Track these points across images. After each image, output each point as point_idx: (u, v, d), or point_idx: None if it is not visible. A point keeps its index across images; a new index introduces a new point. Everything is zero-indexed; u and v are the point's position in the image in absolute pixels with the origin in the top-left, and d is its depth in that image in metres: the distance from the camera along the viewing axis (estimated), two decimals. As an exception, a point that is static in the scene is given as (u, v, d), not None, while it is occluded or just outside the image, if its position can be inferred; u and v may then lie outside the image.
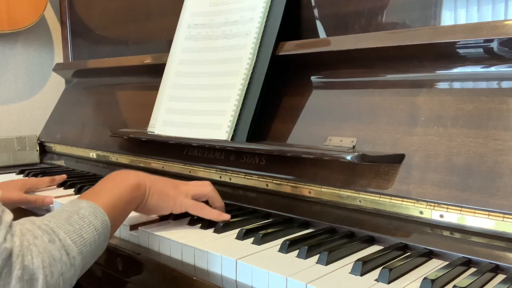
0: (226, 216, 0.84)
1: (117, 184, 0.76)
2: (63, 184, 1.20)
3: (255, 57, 1.01)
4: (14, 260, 0.54)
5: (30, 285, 0.55)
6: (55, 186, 1.19)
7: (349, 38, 0.91)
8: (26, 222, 0.61)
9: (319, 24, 1.02)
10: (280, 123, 1.01)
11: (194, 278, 0.70)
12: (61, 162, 1.57)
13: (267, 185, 0.96)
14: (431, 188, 0.74)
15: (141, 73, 1.40)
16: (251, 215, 0.91)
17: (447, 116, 0.78)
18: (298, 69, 1.01)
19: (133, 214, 0.82)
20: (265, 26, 1.02)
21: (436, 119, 0.79)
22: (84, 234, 0.64)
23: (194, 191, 0.86)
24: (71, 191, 1.14)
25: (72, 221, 0.64)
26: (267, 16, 1.03)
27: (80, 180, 1.24)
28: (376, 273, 0.64)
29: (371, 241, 0.78)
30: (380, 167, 0.81)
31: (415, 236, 0.75)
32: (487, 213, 0.69)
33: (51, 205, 1.06)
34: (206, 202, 0.87)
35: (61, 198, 1.06)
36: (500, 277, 0.65)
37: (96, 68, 1.56)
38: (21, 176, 1.37)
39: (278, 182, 0.94)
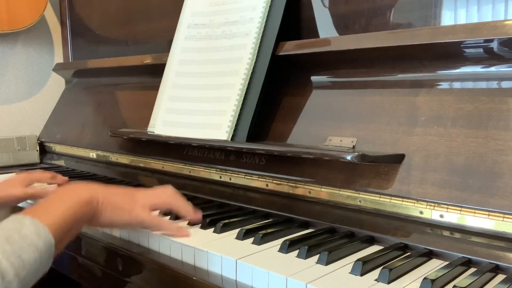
0: (185, 232, 0.79)
1: (66, 199, 0.71)
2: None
3: (255, 57, 1.01)
4: None
5: None
6: (55, 186, 1.19)
7: (349, 38, 0.91)
8: None
9: (319, 24, 1.02)
10: (280, 123, 1.01)
11: (194, 278, 0.70)
12: (61, 162, 1.57)
13: (267, 185, 0.96)
14: (431, 188, 0.74)
15: (141, 73, 1.40)
16: (251, 215, 0.91)
17: (447, 116, 0.78)
18: (298, 69, 1.01)
19: None
20: (265, 26, 1.02)
21: (436, 119, 0.79)
22: (24, 255, 0.59)
23: (152, 201, 0.81)
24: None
25: (12, 240, 0.59)
26: (267, 16, 1.03)
27: (80, 180, 1.24)
28: (376, 273, 0.64)
29: (371, 241, 0.78)
30: (380, 167, 0.81)
31: (415, 236, 0.75)
32: (487, 213, 0.69)
33: None
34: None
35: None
36: (500, 277, 0.65)
37: (96, 68, 1.56)
38: (21, 176, 1.37)
39: (278, 182, 0.94)
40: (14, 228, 0.61)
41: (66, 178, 1.21)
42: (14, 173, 1.42)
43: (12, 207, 1.13)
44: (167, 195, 0.84)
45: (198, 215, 0.84)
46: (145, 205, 0.80)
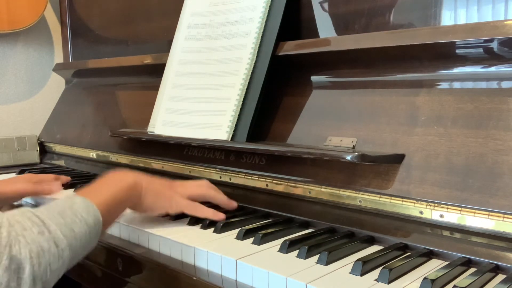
0: (221, 215, 0.85)
1: (113, 183, 0.78)
2: (63, 185, 1.20)
3: (255, 57, 1.01)
4: (1, 251, 0.55)
5: (17, 274, 0.56)
6: (59, 183, 1.19)
7: (349, 38, 0.91)
8: (16, 214, 0.62)
9: (319, 24, 1.02)
10: (280, 123, 1.01)
11: (194, 278, 0.70)
12: (61, 162, 1.57)
13: (267, 185, 0.96)
14: (431, 188, 0.74)
15: (141, 73, 1.40)
16: (251, 215, 0.91)
17: (447, 116, 0.78)
18: (298, 69, 1.01)
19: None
20: (265, 26, 1.02)
21: (436, 119, 0.79)
22: (75, 228, 0.65)
23: (191, 192, 0.88)
24: (71, 191, 1.14)
25: (65, 214, 0.65)
26: (267, 16, 1.03)
27: (80, 180, 1.24)
28: (376, 273, 0.64)
29: (371, 241, 0.78)
30: (380, 167, 0.81)
31: (415, 236, 0.75)
32: (487, 213, 0.69)
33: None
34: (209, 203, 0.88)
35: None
36: (500, 277, 0.65)
37: (96, 68, 1.56)
38: (21, 176, 1.37)
39: (278, 182, 0.94)
40: (66, 205, 0.67)
41: (69, 178, 1.21)
42: (14, 174, 1.42)
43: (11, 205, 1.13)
44: (204, 187, 0.90)
45: (233, 204, 0.91)
46: (183, 194, 0.86)
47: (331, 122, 0.92)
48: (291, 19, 1.03)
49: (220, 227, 0.81)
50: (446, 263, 0.68)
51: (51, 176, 1.16)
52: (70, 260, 0.65)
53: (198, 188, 0.90)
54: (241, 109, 1.00)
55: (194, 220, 0.86)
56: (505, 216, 0.67)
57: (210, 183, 0.92)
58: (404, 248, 0.74)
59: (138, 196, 0.81)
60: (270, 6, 1.03)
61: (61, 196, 1.04)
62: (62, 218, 0.64)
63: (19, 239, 0.58)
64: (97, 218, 0.69)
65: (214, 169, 1.07)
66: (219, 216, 0.85)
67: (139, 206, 0.83)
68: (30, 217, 0.61)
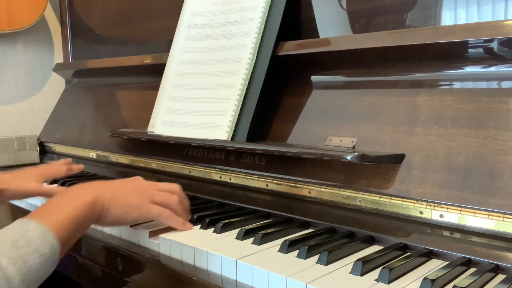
0: (189, 226, 0.82)
1: (71, 201, 0.71)
2: (63, 184, 1.20)
3: (255, 57, 1.01)
4: None
5: None
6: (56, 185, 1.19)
7: (349, 38, 0.91)
8: None
9: (319, 24, 1.02)
10: (280, 123, 1.01)
11: (194, 278, 0.70)
12: (61, 162, 1.57)
13: (267, 185, 0.96)
14: (431, 188, 0.74)
15: (141, 73, 1.40)
16: (251, 215, 0.91)
17: (447, 116, 0.78)
18: (298, 69, 1.01)
19: None
20: (265, 26, 1.02)
21: (436, 119, 0.79)
22: (30, 260, 0.59)
23: (161, 199, 0.81)
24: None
25: (18, 245, 0.59)
26: (267, 16, 1.03)
27: (81, 180, 1.24)
28: (376, 273, 0.64)
29: (371, 241, 0.78)
30: (380, 167, 0.81)
31: (415, 236, 0.75)
32: (487, 213, 0.69)
33: None
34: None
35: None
36: (500, 277, 0.64)
37: (96, 68, 1.56)
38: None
39: (278, 182, 0.94)
40: (20, 233, 0.61)
41: (81, 166, 1.19)
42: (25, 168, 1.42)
43: (11, 207, 1.13)
44: (175, 200, 0.83)
45: (190, 226, 0.84)
46: (154, 199, 0.80)
47: (331, 122, 0.92)
48: (291, 19, 1.03)
49: (220, 227, 0.81)
50: (446, 263, 0.68)
51: (63, 169, 1.13)
52: None
53: (168, 197, 0.82)
54: (241, 109, 1.00)
55: (194, 220, 0.86)
56: (505, 216, 0.67)
57: (182, 191, 0.85)
58: (404, 248, 0.74)
59: (100, 212, 0.74)
60: (270, 6, 1.03)
61: (49, 189, 1.03)
62: (15, 249, 0.59)
63: None
64: (54, 247, 0.63)
65: (214, 169, 1.07)
66: (187, 227, 0.82)
67: (103, 221, 0.76)
68: None
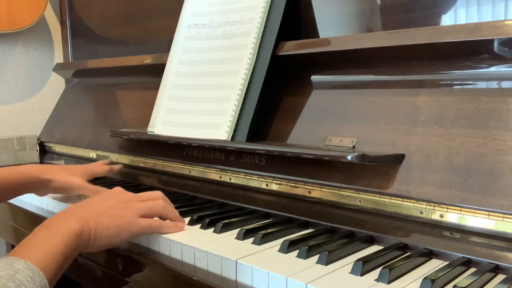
0: (181, 226, 0.81)
1: (56, 235, 0.67)
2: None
3: (255, 57, 1.01)
4: None
5: None
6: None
7: (349, 38, 0.91)
8: None
9: (319, 24, 1.02)
10: (280, 123, 1.01)
11: (194, 278, 0.70)
12: (61, 162, 1.57)
13: (267, 185, 0.96)
14: (431, 188, 0.74)
15: (141, 73, 1.40)
16: (251, 215, 0.91)
17: (447, 116, 0.78)
18: (298, 69, 1.01)
19: None
20: (265, 26, 1.02)
21: (436, 119, 0.79)
22: None
23: (147, 210, 0.79)
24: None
25: None
26: (267, 16, 1.03)
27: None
28: (376, 273, 0.64)
29: (371, 241, 0.78)
30: (380, 167, 0.81)
31: (415, 236, 0.75)
32: (487, 213, 0.69)
33: None
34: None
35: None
36: (500, 277, 0.65)
37: (96, 68, 1.56)
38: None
39: (278, 182, 0.94)
40: (7, 276, 0.58)
41: (120, 165, 1.23)
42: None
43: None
44: (160, 206, 0.81)
45: (182, 225, 0.83)
46: (139, 213, 0.77)
47: (331, 122, 0.92)
48: (291, 19, 1.03)
49: (220, 227, 0.81)
50: (446, 263, 0.68)
51: (106, 168, 1.17)
52: None
53: (152, 207, 0.80)
54: (241, 109, 1.00)
55: (194, 220, 0.86)
56: (505, 216, 0.67)
57: (164, 196, 0.84)
58: (404, 248, 0.74)
59: (87, 240, 0.71)
60: (270, 6, 1.03)
61: (92, 187, 1.03)
62: None
63: None
64: (44, 286, 0.61)
65: (214, 169, 1.07)
66: (180, 226, 0.81)
67: (91, 247, 0.72)
68: None
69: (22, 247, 0.64)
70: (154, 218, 0.80)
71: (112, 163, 1.24)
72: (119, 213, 0.75)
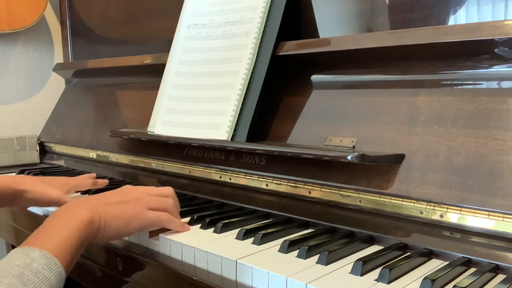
0: (187, 227, 0.82)
1: (69, 223, 0.67)
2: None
3: (255, 57, 1.01)
4: None
5: None
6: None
7: (349, 38, 0.91)
8: None
9: (319, 24, 1.02)
10: (280, 123, 1.01)
11: (194, 278, 0.70)
12: (61, 162, 1.57)
13: (267, 185, 0.96)
14: (431, 188, 0.74)
15: (141, 73, 1.40)
16: (251, 215, 0.91)
17: (447, 116, 0.78)
18: (298, 69, 1.01)
19: None
20: (265, 26, 1.02)
21: (436, 119, 0.79)
22: None
23: (156, 205, 0.79)
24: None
25: (25, 279, 0.56)
26: (267, 16, 1.03)
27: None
28: (376, 273, 0.64)
29: (371, 241, 0.78)
30: (380, 167, 0.81)
31: (415, 236, 0.75)
32: (487, 213, 0.69)
33: None
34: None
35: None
36: (500, 277, 0.65)
37: (96, 68, 1.56)
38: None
39: (278, 182, 0.94)
40: (24, 264, 0.58)
41: (106, 181, 1.13)
42: (14, 174, 1.42)
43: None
44: (169, 203, 0.81)
45: (188, 227, 0.83)
46: (148, 205, 0.78)
47: (331, 122, 0.92)
48: (291, 19, 1.03)
49: (220, 227, 0.81)
50: (446, 263, 0.69)
51: (88, 182, 1.09)
52: None
53: (162, 203, 0.80)
54: (241, 109, 1.00)
55: (194, 220, 0.86)
56: (505, 216, 0.67)
57: (175, 194, 0.84)
58: (404, 248, 0.74)
59: (98, 229, 0.71)
60: (270, 6, 1.03)
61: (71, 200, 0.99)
62: (23, 284, 0.55)
63: None
64: (61, 275, 0.61)
65: (214, 169, 1.07)
66: (186, 228, 0.82)
67: (101, 237, 0.72)
68: None
69: (35, 236, 0.65)
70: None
71: (98, 177, 1.15)
72: (128, 205, 0.76)
